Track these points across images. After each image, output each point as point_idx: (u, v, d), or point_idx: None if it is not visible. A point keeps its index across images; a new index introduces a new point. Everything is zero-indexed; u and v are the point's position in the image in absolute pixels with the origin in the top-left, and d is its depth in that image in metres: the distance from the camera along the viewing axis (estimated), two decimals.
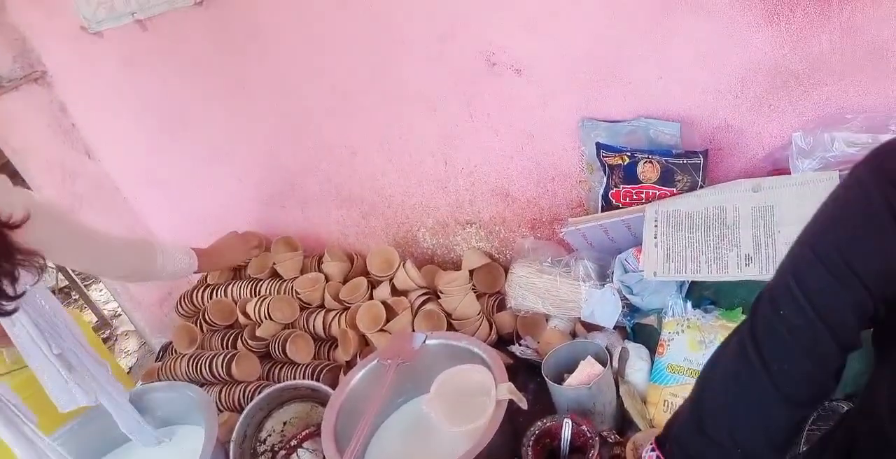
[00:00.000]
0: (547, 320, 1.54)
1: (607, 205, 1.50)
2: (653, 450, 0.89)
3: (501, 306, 1.64)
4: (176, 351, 1.81)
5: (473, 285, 1.68)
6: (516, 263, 1.57)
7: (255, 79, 1.74)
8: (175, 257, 1.55)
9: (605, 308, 1.35)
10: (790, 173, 1.27)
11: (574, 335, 1.48)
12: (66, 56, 1.94)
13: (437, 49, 1.49)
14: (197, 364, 1.70)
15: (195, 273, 1.66)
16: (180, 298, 1.94)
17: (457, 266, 1.80)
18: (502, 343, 1.57)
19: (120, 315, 3.33)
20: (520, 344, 1.51)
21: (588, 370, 1.21)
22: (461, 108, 1.58)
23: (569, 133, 1.52)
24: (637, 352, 1.30)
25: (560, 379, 1.26)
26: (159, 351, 2.00)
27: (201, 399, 1.38)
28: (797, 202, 1.21)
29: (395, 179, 1.77)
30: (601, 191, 1.50)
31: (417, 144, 1.68)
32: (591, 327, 1.46)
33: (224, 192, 2.00)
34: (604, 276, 1.44)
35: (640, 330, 1.39)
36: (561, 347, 1.31)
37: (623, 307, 1.36)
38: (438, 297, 1.67)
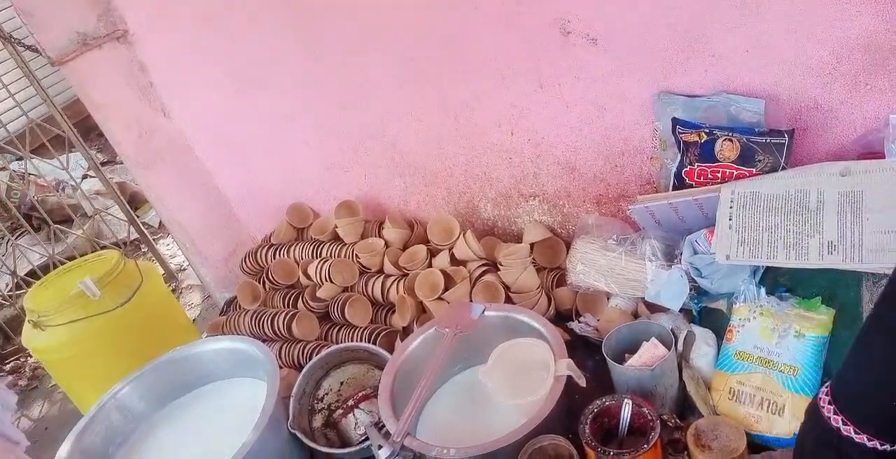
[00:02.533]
0: (608, 298, 1.51)
1: (679, 184, 1.45)
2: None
3: (561, 281, 1.62)
4: (240, 306, 1.87)
5: (534, 259, 1.66)
6: (579, 239, 1.54)
7: (328, 45, 1.73)
8: None
9: (671, 289, 1.31)
10: (884, 158, 1.19)
11: (636, 315, 1.45)
12: (147, 15, 1.98)
13: (510, 16, 1.45)
14: (259, 320, 1.76)
15: None
16: (245, 256, 1.99)
17: (517, 238, 1.78)
18: (560, 318, 1.56)
19: (185, 269, 3.46)
20: (579, 321, 1.49)
21: (652, 351, 1.18)
22: (531, 78, 1.54)
23: (643, 107, 1.47)
24: (703, 337, 1.27)
25: (620, 359, 1.24)
26: (223, 306, 2.07)
27: (264, 354, 1.42)
28: (890, 189, 1.14)
29: (459, 148, 1.75)
30: (674, 168, 1.44)
31: (484, 113, 1.65)
32: (654, 308, 1.42)
33: (291, 155, 2.03)
34: (671, 257, 1.40)
35: (708, 314, 1.35)
36: (623, 326, 1.29)
37: (690, 289, 1.32)
38: (497, 269, 1.66)
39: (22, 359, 3.04)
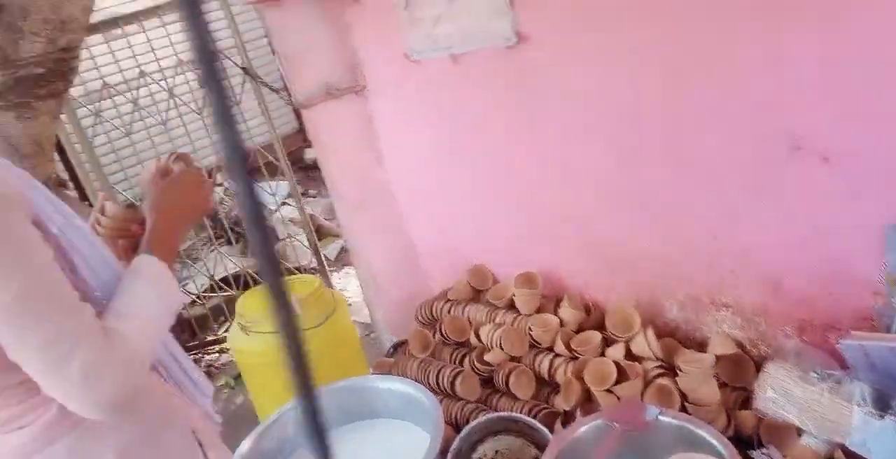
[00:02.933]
0: (798, 433, 1.40)
1: None
2: None
3: (745, 403, 1.53)
4: (408, 352, 1.95)
5: (716, 372, 1.58)
6: (773, 363, 1.45)
7: (544, 122, 1.82)
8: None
9: (882, 442, 1.19)
10: None
11: None
12: (385, 76, 2.21)
13: (739, 122, 1.45)
14: (426, 370, 1.82)
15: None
16: (422, 305, 2.09)
17: (700, 347, 1.71)
18: (740, 443, 1.46)
19: (351, 305, 3.67)
20: (762, 452, 1.39)
21: None
22: (748, 187, 1.51)
23: (871, 236, 1.38)
24: None
25: None
26: (390, 348, 2.17)
27: (433, 406, 1.47)
28: None
29: (655, 242, 1.74)
30: None
31: (688, 212, 1.64)
32: (855, 456, 1.29)
33: (485, 219, 2.12)
34: (884, 405, 1.27)
35: None
36: None
37: None
38: (675, 374, 1.60)
39: (200, 355, 3.36)
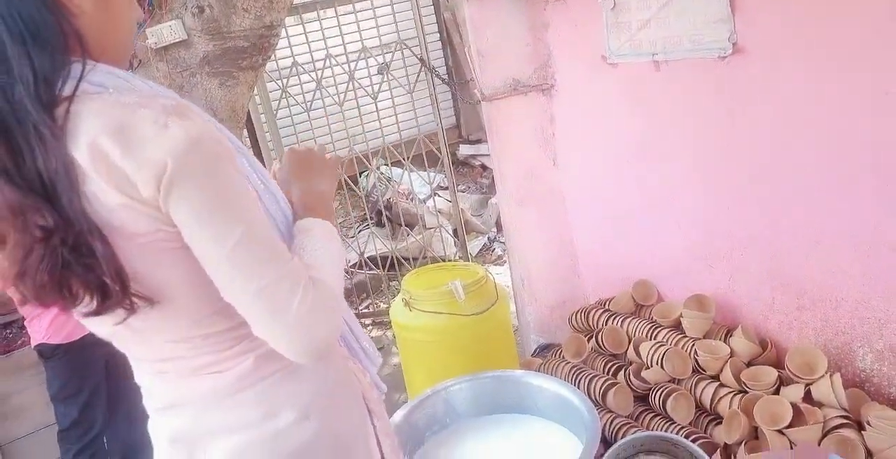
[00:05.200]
0: None
1: None
2: None
3: None
4: (560, 355, 1.93)
5: None
6: None
7: (743, 140, 1.72)
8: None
9: None
10: None
11: None
12: (576, 77, 2.19)
13: None
14: (578, 376, 1.79)
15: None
16: (578, 311, 2.05)
17: (893, 404, 1.55)
18: None
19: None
20: None
21: None
22: None
23: None
24: None
25: None
26: (536, 349, 2.16)
27: (590, 414, 1.44)
28: None
29: (857, 282, 1.60)
30: None
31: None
32: None
33: (658, 232, 2.05)
34: None
35: None
36: None
37: None
38: (861, 429, 1.46)
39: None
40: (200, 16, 2.18)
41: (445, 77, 4.31)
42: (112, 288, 0.76)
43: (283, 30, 3.49)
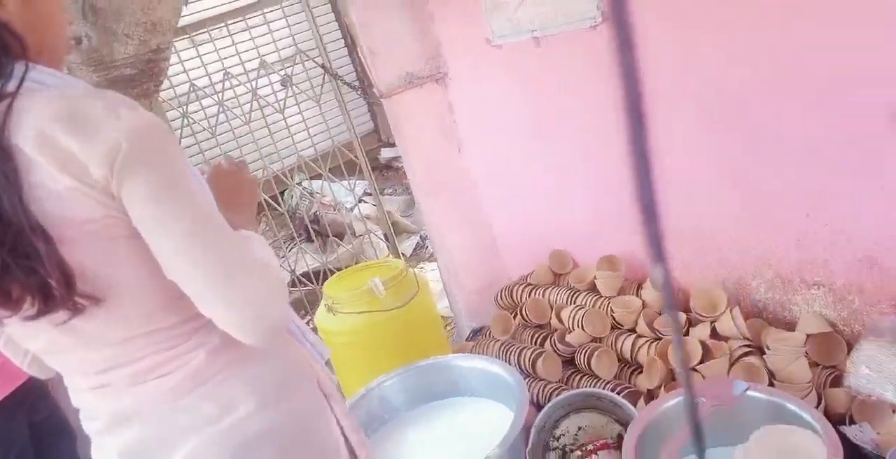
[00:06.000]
0: (894, 411, 1.35)
1: None
2: None
3: (835, 382, 1.49)
4: (490, 334, 1.99)
5: (806, 351, 1.55)
6: (867, 341, 1.41)
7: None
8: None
9: None
10: None
11: None
12: (466, 63, 2.26)
13: (835, 94, 1.42)
14: (507, 351, 1.85)
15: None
16: (502, 290, 2.12)
17: (787, 326, 1.67)
18: (830, 421, 1.42)
19: None
20: (855, 428, 1.35)
21: None
22: (845, 162, 1.47)
23: None
24: None
25: None
26: (470, 333, 2.21)
27: (517, 382, 1.50)
28: None
29: (743, 222, 1.71)
30: None
31: (779, 189, 1.61)
32: None
33: (565, 204, 2.14)
34: None
35: None
36: None
37: None
38: (762, 354, 1.57)
39: None
40: (78, 47, 2.13)
41: (354, 83, 4.34)
42: (55, 289, 0.75)
43: (175, 53, 3.45)
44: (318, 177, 4.09)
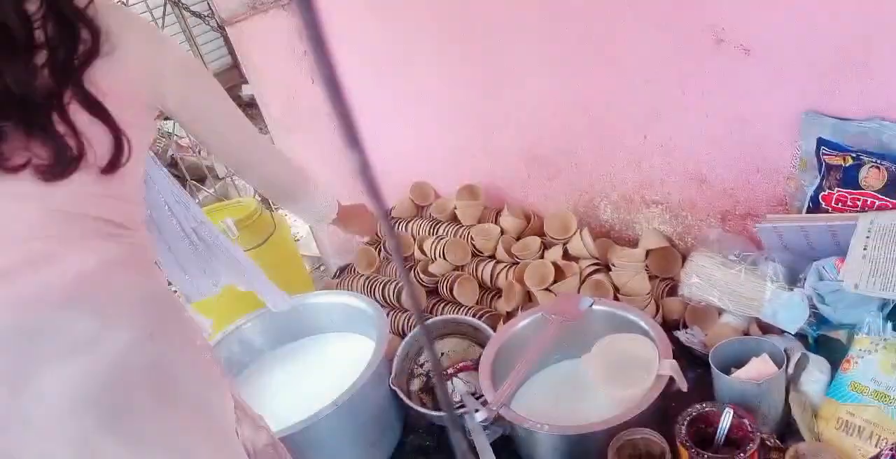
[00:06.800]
0: (719, 314, 1.50)
1: (814, 208, 1.41)
2: None
3: (671, 292, 1.62)
4: (354, 271, 1.99)
5: (647, 265, 1.66)
6: (697, 252, 1.53)
7: (471, 31, 1.80)
8: (326, 196, 1.38)
9: (790, 312, 1.29)
10: None
11: (747, 334, 1.43)
12: None
13: (662, 17, 1.46)
14: (371, 286, 1.86)
15: (328, 223, 1.45)
16: None
17: (633, 244, 1.79)
18: (665, 328, 1.55)
19: (299, 239, 3.66)
20: (686, 332, 1.49)
21: (761, 367, 1.17)
22: (674, 83, 1.54)
23: (787, 124, 1.44)
24: (817, 363, 1.24)
25: (726, 373, 1.23)
26: (336, 271, 2.19)
27: (377, 313, 1.51)
28: None
29: (588, 146, 1.78)
30: (811, 191, 1.41)
31: (619, 113, 1.67)
32: (766, 329, 1.40)
33: (422, 134, 2.12)
34: (793, 280, 1.37)
35: (824, 342, 1.31)
36: (734, 340, 1.28)
37: (809, 315, 1.29)
38: (609, 270, 1.67)
39: None
40: None
41: (200, 12, 4.00)
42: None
43: None
44: None
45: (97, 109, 0.86)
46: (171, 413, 0.84)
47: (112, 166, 0.89)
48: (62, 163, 0.84)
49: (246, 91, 5.26)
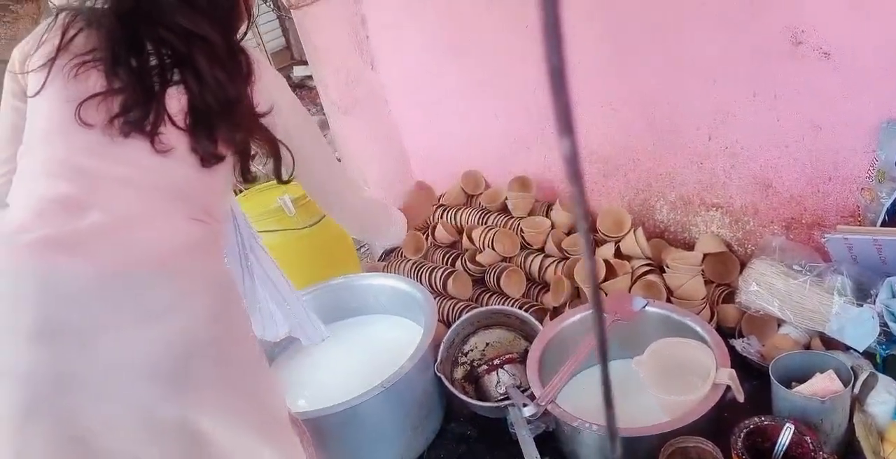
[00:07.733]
0: (778, 325, 1.45)
1: (890, 221, 1.36)
2: None
3: (728, 299, 1.57)
4: (401, 255, 1.98)
5: (703, 270, 1.62)
6: (758, 259, 1.49)
7: (532, 22, 1.76)
8: (398, 226, 1.46)
9: (859, 328, 1.24)
10: None
11: (808, 347, 1.38)
12: None
13: (737, 16, 1.41)
14: (418, 271, 1.85)
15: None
16: None
17: (688, 247, 1.74)
18: (720, 335, 1.51)
19: None
20: (743, 341, 1.44)
21: (825, 383, 1.13)
22: (745, 85, 1.49)
23: (865, 133, 1.38)
24: (886, 384, 1.19)
25: (786, 387, 1.19)
26: (382, 254, 2.19)
27: (426, 298, 1.50)
28: None
29: (649, 144, 1.74)
30: (888, 204, 1.35)
31: (683, 112, 1.62)
32: (830, 344, 1.35)
33: (478, 124, 2.10)
34: (863, 295, 1.31)
35: (893, 362, 1.26)
36: (797, 353, 1.23)
37: (880, 333, 1.24)
38: (663, 272, 1.63)
39: None
40: None
41: None
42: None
43: None
44: None
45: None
46: (229, 392, 0.85)
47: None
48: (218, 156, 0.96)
49: (297, 73, 5.30)
